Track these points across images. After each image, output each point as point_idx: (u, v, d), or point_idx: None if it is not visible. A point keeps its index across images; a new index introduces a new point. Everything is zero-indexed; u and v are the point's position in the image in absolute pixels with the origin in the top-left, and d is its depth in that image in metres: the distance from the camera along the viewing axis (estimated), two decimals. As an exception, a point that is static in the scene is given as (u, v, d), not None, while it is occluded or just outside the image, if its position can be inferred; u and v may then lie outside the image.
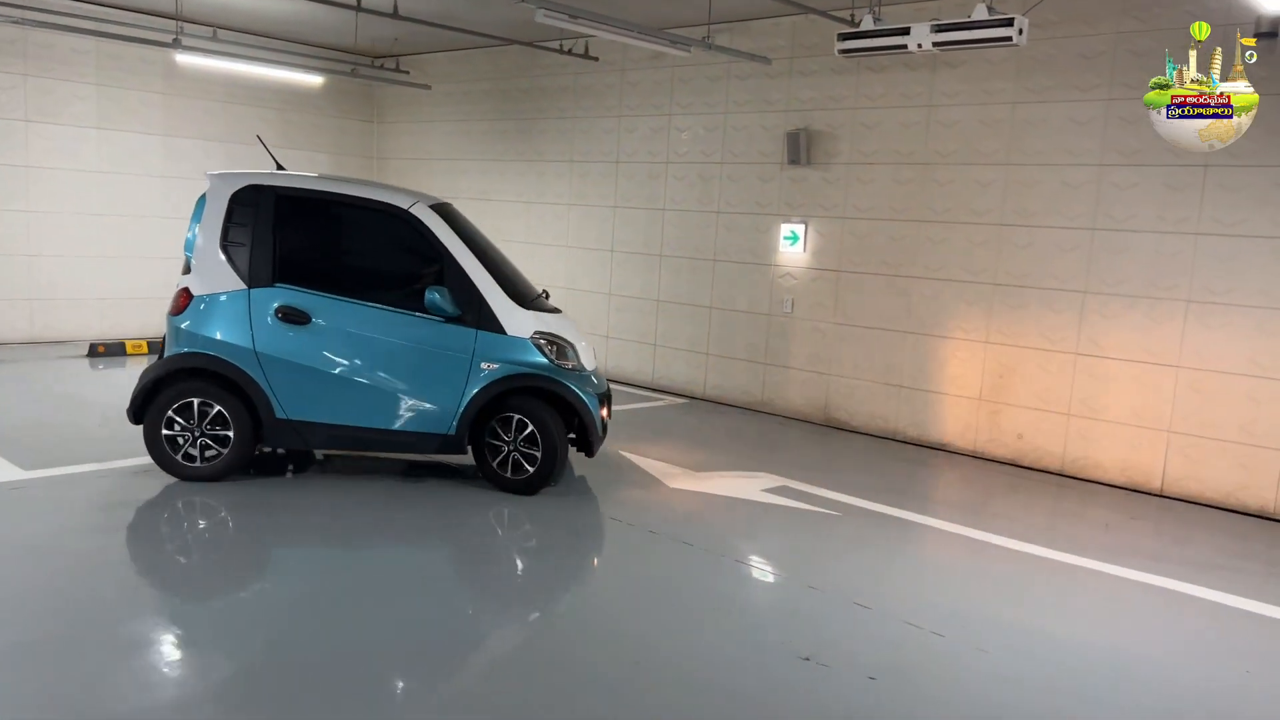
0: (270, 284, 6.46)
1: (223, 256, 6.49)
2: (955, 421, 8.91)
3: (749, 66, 9.93)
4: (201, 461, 6.47)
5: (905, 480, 8.01)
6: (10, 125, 11.24)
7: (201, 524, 6.09)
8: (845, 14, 8.03)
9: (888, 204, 9.23)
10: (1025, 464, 8.49)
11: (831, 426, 9.71)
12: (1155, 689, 4.54)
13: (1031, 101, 8.29)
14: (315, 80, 13.19)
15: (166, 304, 7.04)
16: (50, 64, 11.41)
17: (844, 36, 7.18)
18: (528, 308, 6.78)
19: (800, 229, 9.86)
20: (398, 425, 6.60)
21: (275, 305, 6.44)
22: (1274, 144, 7.09)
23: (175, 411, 6.38)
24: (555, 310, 7.20)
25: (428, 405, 6.58)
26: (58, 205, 11.62)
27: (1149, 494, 7.81)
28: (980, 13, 6.51)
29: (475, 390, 6.53)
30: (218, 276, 6.48)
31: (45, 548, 5.34)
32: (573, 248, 11.94)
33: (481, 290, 6.56)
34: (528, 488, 6.71)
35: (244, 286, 6.45)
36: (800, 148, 9.72)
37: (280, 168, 7.18)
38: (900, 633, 4.90)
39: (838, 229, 9.61)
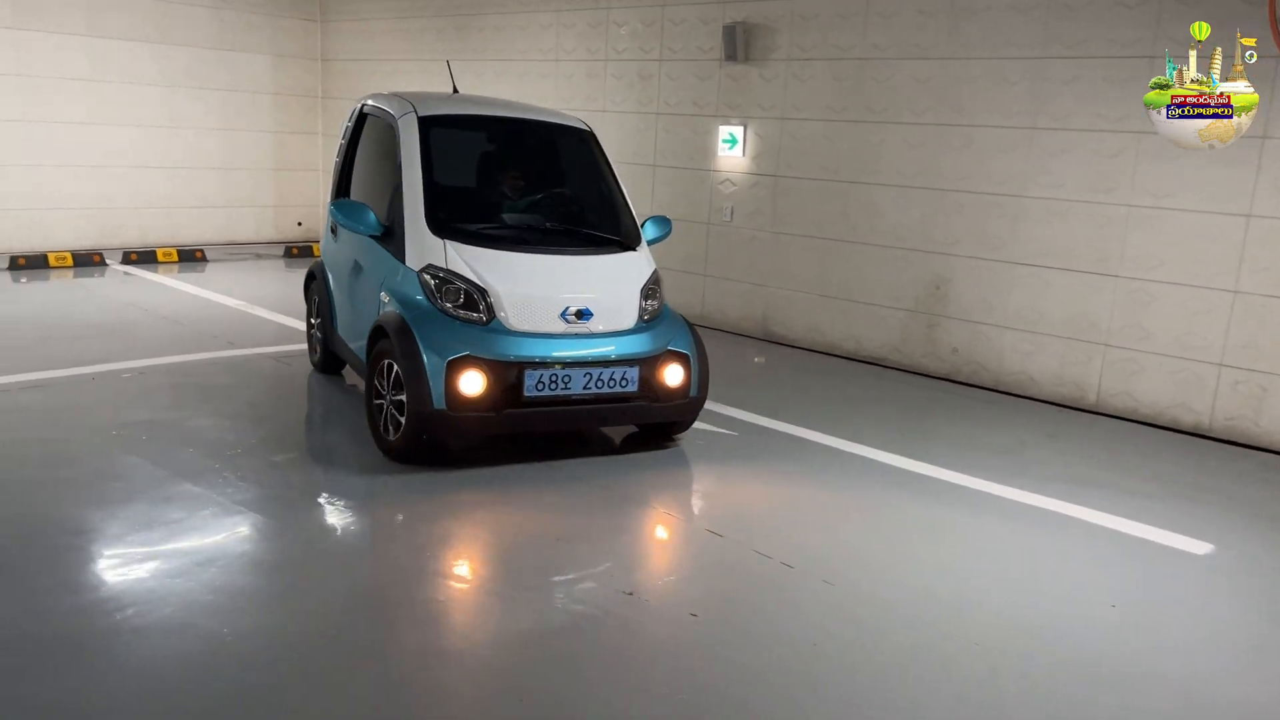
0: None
1: None
2: (890, 335, 8.51)
3: (684, -46, 9.25)
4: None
5: (819, 397, 7.67)
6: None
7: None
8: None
9: (825, 103, 8.66)
10: (960, 379, 8.11)
11: (770, 341, 9.34)
12: (1008, 616, 4.22)
13: (971, -12, 7.65)
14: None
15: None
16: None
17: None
18: (474, 233, 5.76)
19: (739, 131, 9.31)
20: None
21: None
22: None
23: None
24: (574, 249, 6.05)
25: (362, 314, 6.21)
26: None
27: (1082, 410, 7.44)
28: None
29: (374, 323, 5.72)
30: None
31: None
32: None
33: (405, 203, 5.73)
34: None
35: None
36: (737, 42, 9.10)
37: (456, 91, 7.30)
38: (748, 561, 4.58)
39: (776, 130, 9.06)
